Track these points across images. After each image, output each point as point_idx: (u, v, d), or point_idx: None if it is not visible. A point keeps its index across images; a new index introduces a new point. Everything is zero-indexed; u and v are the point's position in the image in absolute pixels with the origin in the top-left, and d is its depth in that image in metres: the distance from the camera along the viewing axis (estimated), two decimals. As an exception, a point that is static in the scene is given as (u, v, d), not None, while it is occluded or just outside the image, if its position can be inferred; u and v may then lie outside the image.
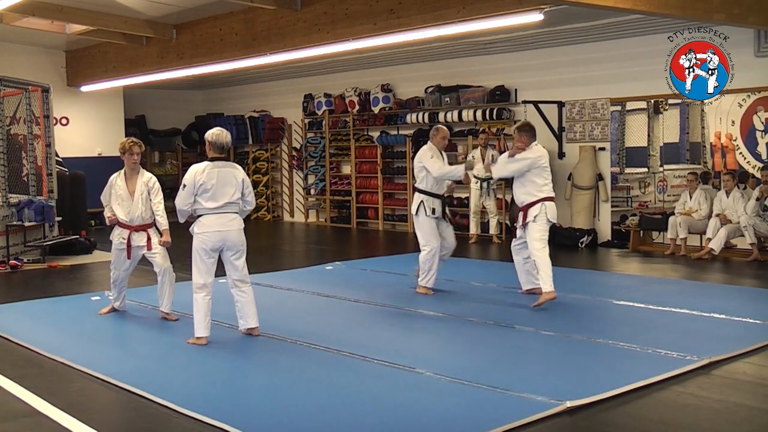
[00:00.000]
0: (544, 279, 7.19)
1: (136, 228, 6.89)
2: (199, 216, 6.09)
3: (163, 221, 6.92)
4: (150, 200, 6.91)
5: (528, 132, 7.58)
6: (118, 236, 6.96)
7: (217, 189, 6.01)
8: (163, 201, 6.98)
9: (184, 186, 6.06)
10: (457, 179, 8.05)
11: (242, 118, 17.68)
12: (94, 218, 15.13)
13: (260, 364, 5.57)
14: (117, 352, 6.09)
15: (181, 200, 6.07)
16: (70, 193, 12.56)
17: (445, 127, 8.26)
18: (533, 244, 7.31)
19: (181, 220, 6.26)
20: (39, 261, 10.73)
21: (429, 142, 8.03)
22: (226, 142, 6.15)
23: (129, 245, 6.88)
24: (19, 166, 11.72)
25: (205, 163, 6.10)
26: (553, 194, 7.46)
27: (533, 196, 7.37)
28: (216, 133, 6.11)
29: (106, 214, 7.06)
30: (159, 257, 6.91)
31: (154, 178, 7.07)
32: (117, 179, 6.97)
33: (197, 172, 6.03)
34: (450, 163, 8.15)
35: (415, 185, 8.06)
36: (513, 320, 6.76)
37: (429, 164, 7.80)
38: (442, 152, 8.04)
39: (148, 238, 6.91)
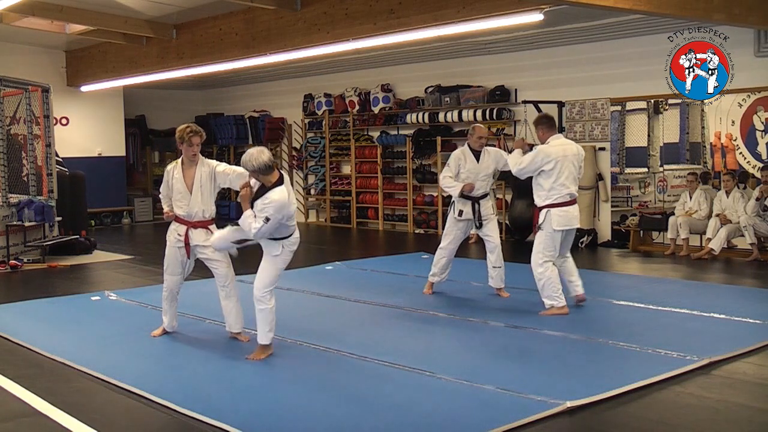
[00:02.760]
0: (545, 295, 6.95)
1: (195, 224, 6.11)
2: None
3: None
4: (214, 190, 6.17)
5: (542, 124, 7.16)
6: (173, 232, 6.16)
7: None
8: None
9: (268, 219, 5.38)
10: (454, 193, 7.74)
11: (242, 118, 17.69)
12: (94, 218, 15.15)
13: (260, 364, 5.57)
14: (117, 352, 6.08)
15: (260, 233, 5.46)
16: (70, 193, 12.56)
17: (481, 126, 7.92)
18: (532, 257, 7.05)
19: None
20: (39, 261, 10.73)
21: (466, 143, 7.83)
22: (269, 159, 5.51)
23: (187, 243, 6.09)
24: (19, 166, 11.72)
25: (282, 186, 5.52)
26: (564, 200, 6.90)
27: (539, 200, 7.01)
28: (255, 154, 5.40)
29: (164, 208, 6.24)
30: (223, 266, 6.17)
31: (222, 165, 6.19)
32: (174, 171, 6.14)
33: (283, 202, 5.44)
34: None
35: None
36: (513, 320, 6.76)
37: (444, 169, 7.88)
38: (482, 153, 7.65)
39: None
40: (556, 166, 6.88)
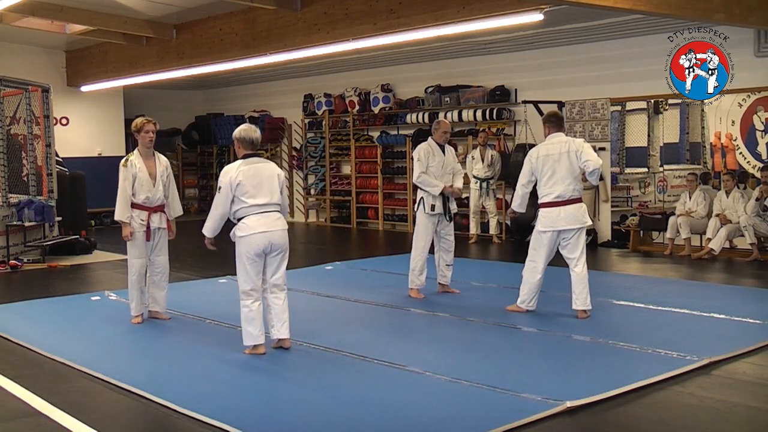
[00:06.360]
0: (521, 294, 7.03)
1: (155, 209, 6.72)
2: (241, 218, 5.68)
3: (178, 208, 6.93)
4: (167, 183, 6.82)
5: (548, 122, 7.09)
6: (136, 218, 6.65)
7: (258, 186, 5.65)
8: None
9: (220, 188, 5.68)
10: (435, 194, 7.69)
11: (242, 118, 17.68)
12: (94, 218, 15.15)
13: (260, 364, 5.57)
14: (117, 352, 6.09)
15: (216, 205, 5.71)
16: (70, 193, 12.56)
17: (446, 121, 8.10)
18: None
19: (210, 234, 5.85)
20: (39, 261, 10.73)
21: (429, 138, 7.93)
22: (255, 137, 5.78)
23: (148, 227, 6.68)
24: (19, 166, 11.71)
25: (238, 162, 5.75)
26: (548, 200, 6.80)
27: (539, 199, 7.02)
28: (243, 129, 5.80)
29: (125, 230, 6.63)
30: (163, 256, 6.84)
31: (169, 162, 6.98)
32: (135, 161, 6.63)
33: (231, 171, 5.66)
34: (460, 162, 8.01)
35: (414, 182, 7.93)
36: (513, 320, 6.77)
37: (415, 165, 7.80)
38: (445, 147, 7.84)
39: (167, 220, 6.82)
40: (537, 166, 6.86)
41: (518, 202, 7.08)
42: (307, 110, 16.31)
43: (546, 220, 6.85)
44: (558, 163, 6.78)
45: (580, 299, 6.82)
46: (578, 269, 6.83)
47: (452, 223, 7.96)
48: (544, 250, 6.90)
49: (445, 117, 13.26)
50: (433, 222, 7.80)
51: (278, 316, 5.78)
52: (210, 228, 5.82)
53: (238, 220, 5.69)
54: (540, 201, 6.91)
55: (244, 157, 5.77)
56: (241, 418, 4.39)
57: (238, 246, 5.70)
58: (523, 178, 7.00)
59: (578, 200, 6.85)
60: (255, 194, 5.64)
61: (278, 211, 5.79)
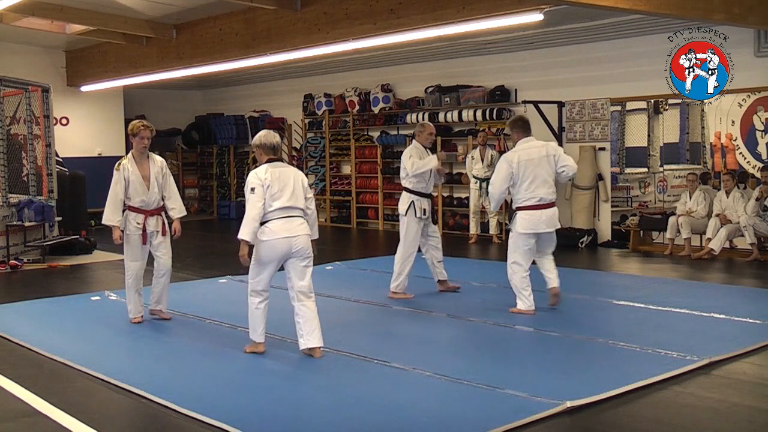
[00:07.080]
0: (518, 297, 7.02)
1: (151, 212, 6.71)
2: (264, 222, 5.59)
3: (181, 207, 6.88)
4: (163, 184, 6.79)
5: (516, 127, 7.16)
6: (132, 222, 6.66)
7: (283, 191, 5.58)
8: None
9: (253, 189, 5.55)
10: (432, 167, 7.64)
11: (242, 118, 17.71)
12: (94, 218, 15.14)
13: (260, 364, 5.57)
14: (117, 351, 6.09)
15: (253, 206, 5.52)
16: (70, 193, 12.57)
17: (430, 124, 8.04)
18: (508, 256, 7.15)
19: (250, 238, 5.52)
20: (39, 261, 10.73)
21: (414, 141, 7.89)
22: (275, 142, 5.76)
23: (144, 230, 6.66)
24: (19, 166, 11.72)
25: (265, 165, 5.69)
26: (531, 203, 6.88)
27: (514, 203, 7.10)
28: (263, 135, 5.77)
29: (115, 234, 6.63)
30: (166, 257, 6.80)
31: (167, 169, 6.92)
32: (128, 165, 6.64)
33: (260, 173, 5.60)
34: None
35: (403, 185, 7.85)
36: (513, 320, 6.76)
37: (407, 164, 7.71)
38: (428, 150, 7.82)
39: (163, 223, 6.77)
40: (518, 171, 6.89)
41: (495, 204, 7.38)
42: (307, 110, 16.32)
43: (528, 223, 6.94)
44: (538, 167, 6.92)
45: (554, 276, 7.09)
46: (550, 257, 7.13)
47: (436, 225, 8.03)
48: (528, 252, 7.01)
49: (445, 117, 13.32)
50: (421, 226, 7.80)
51: (307, 324, 5.66)
52: (249, 231, 5.51)
53: (262, 224, 5.60)
54: (520, 204, 6.97)
55: (269, 161, 5.72)
56: (241, 418, 4.39)
57: (257, 249, 5.63)
58: (503, 183, 7.03)
59: (554, 204, 7.04)
60: (280, 197, 5.57)
61: (301, 216, 5.68)
